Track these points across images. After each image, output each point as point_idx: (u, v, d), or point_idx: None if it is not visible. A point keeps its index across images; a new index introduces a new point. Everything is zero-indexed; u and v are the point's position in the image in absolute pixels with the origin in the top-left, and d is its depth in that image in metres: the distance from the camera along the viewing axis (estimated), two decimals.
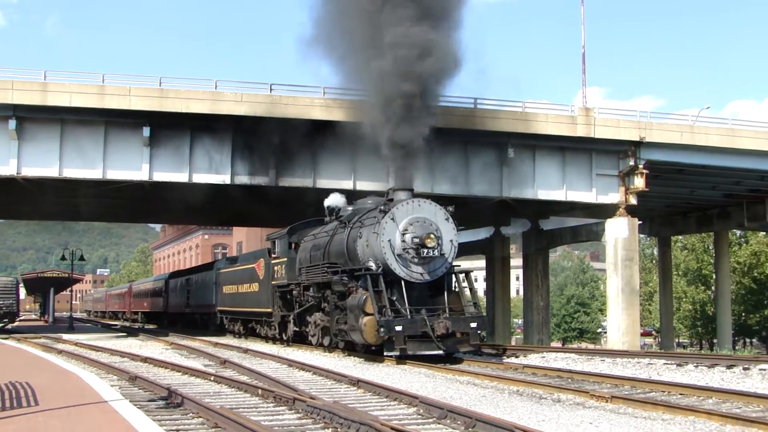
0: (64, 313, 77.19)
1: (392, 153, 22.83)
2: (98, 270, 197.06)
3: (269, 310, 29.84)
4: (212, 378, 16.79)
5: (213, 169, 32.24)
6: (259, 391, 13.86)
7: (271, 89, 31.69)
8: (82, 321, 78.87)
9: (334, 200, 27.91)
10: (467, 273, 23.28)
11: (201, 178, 32.29)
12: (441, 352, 20.45)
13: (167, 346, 29.71)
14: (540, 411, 11.86)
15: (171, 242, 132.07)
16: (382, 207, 21.76)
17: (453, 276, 22.77)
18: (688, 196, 45.51)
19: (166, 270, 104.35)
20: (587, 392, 13.55)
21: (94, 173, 31.38)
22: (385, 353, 20.52)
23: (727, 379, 16.63)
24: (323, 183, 32.87)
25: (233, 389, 14.99)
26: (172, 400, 12.71)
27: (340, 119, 30.83)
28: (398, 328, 19.78)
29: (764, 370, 17.59)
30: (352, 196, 28.73)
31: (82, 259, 63.85)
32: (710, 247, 60.35)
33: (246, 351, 25.34)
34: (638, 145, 34.99)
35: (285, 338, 29.01)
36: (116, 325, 66.50)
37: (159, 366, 20.30)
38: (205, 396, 13.43)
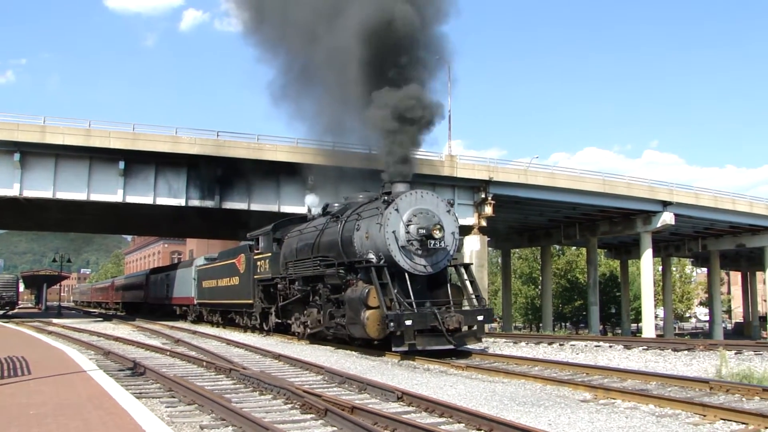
0: (55, 302, 73.96)
1: (389, 143, 17.32)
2: (82, 269, 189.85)
3: (250, 301, 24.68)
4: (168, 353, 16.34)
5: (172, 194, 31.67)
6: (204, 363, 13.55)
7: (217, 135, 31.42)
8: (69, 309, 75.80)
9: (312, 200, 24.74)
10: (467, 266, 17.99)
11: (162, 201, 31.65)
12: (452, 346, 15.48)
13: (134, 328, 28.76)
14: (414, 377, 11.92)
15: (138, 249, 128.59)
16: (386, 198, 16.59)
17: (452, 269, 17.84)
18: (522, 220, 46.60)
19: (135, 270, 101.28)
20: (449, 363, 13.67)
21: (80, 195, 30.43)
22: (393, 348, 15.22)
23: (548, 353, 17.03)
24: (255, 206, 32.75)
25: (184, 362, 14.60)
26: (136, 370, 12.31)
27: (270, 159, 31.34)
28: (408, 322, 14.87)
29: (573, 345, 18.11)
30: (276, 217, 28.57)
31: (69, 261, 61.85)
32: (538, 257, 61.81)
33: (195, 332, 24.74)
34: (488, 183, 35.62)
35: (266, 328, 23.86)
36: (95, 312, 64.04)
37: (127, 344, 19.63)
38: (162, 367, 13.04)
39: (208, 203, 32.32)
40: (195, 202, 32.16)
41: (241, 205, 32.76)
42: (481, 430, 7.28)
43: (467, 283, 17.31)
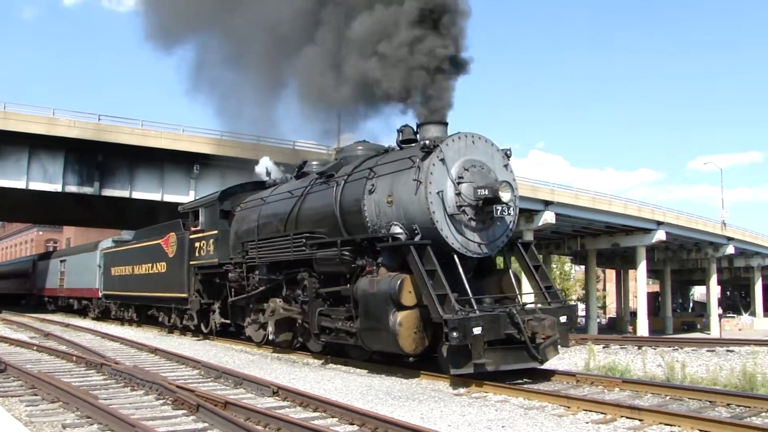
0: None
1: (408, 63, 12.02)
2: None
3: (184, 295, 19.01)
4: (35, 348, 15.55)
5: (47, 179, 30.31)
6: (74, 358, 13.02)
7: (99, 119, 30.31)
8: None
9: (267, 161, 19.58)
10: (527, 245, 12.74)
11: (37, 186, 30.24)
12: (537, 363, 10.77)
13: None
14: (292, 372, 11.88)
15: (9, 236, 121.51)
16: (427, 143, 11.23)
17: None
18: None
19: (3, 259, 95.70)
20: (327, 357, 13.62)
21: None
22: (452, 370, 10.04)
23: None
24: (137, 194, 31.92)
25: (52, 357, 13.93)
26: None
27: (154, 146, 30.59)
28: (477, 330, 9.75)
29: None
30: (159, 206, 27.85)
31: None
32: None
33: (67, 325, 23.67)
34: None
35: (206, 331, 18.66)
36: None
37: None
38: (27, 363, 12.40)
39: (87, 190, 31.21)
40: (72, 188, 30.94)
41: (122, 193, 31.81)
42: (353, 424, 7.37)
43: (532, 269, 12.28)
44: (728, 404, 8.63)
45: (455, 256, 11.12)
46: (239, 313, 16.93)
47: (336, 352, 13.47)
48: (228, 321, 17.67)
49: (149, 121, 31.25)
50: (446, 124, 12.23)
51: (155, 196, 31.92)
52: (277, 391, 9.06)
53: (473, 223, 11.30)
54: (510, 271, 12.20)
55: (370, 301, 11.13)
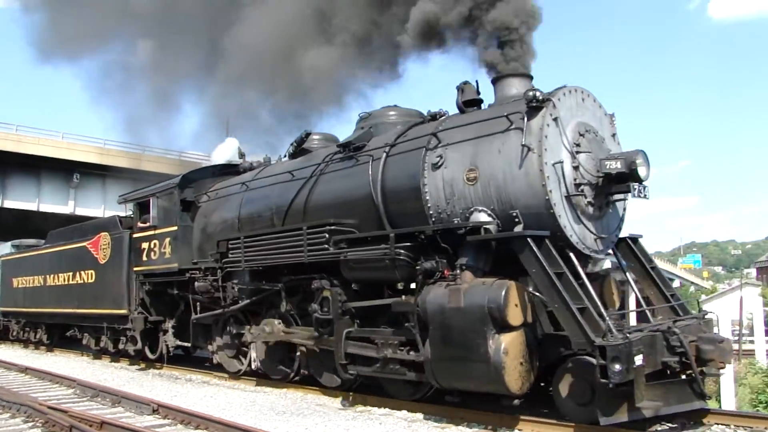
0: None
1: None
2: None
3: (122, 311, 14.58)
4: None
5: None
6: None
7: None
8: None
9: (233, 142, 16.69)
10: (635, 239, 9.18)
11: None
12: (703, 403, 7.66)
13: None
14: (174, 388, 11.58)
15: None
16: (537, 94, 7.75)
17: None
18: None
19: None
20: (211, 373, 13.34)
21: None
22: (602, 419, 6.81)
23: None
24: (10, 203, 30.45)
25: None
26: None
27: (30, 153, 29.32)
28: (639, 359, 6.58)
29: None
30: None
31: None
32: None
33: None
34: None
35: (153, 357, 14.39)
36: None
37: None
38: None
39: None
40: None
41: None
42: None
43: (650, 271, 9.04)
44: None
45: (571, 254, 8.01)
46: (203, 334, 13.28)
47: (362, 386, 9.89)
48: (187, 344, 13.85)
49: (25, 126, 30.27)
50: (531, 77, 8.98)
51: (30, 206, 30.54)
52: (158, 408, 8.85)
53: (590, 209, 8.18)
54: (626, 275, 9.23)
55: (452, 319, 7.78)
